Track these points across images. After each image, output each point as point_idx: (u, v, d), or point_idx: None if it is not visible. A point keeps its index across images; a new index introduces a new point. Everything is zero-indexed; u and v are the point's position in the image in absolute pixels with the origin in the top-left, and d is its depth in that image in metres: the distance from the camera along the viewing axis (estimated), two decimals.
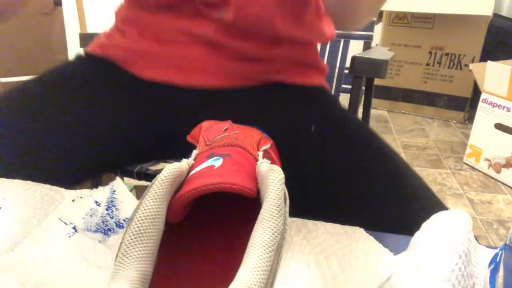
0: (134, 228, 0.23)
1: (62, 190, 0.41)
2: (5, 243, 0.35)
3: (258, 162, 0.29)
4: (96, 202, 0.38)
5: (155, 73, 0.51)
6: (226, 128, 0.34)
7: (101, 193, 0.39)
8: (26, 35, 1.38)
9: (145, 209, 0.24)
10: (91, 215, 0.37)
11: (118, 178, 0.40)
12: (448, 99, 2.30)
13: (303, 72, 0.54)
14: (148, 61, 0.51)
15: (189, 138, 0.37)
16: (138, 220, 0.23)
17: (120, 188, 0.40)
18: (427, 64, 2.32)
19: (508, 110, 1.57)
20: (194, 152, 0.31)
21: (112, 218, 0.37)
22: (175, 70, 0.51)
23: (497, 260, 0.29)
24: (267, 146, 0.34)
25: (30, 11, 1.36)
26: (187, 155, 0.32)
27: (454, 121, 2.33)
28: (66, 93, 0.49)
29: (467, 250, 0.31)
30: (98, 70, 0.52)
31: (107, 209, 0.38)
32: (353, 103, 0.83)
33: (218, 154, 0.30)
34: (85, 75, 0.51)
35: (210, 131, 0.34)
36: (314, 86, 0.55)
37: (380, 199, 0.45)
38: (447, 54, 2.23)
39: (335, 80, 1.38)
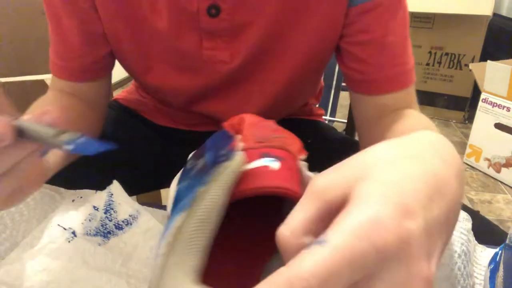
0: (200, 215, 0.22)
1: (61, 190, 0.41)
2: (6, 242, 0.35)
3: (302, 171, 0.29)
4: (94, 207, 0.38)
5: (163, 122, 0.63)
6: (274, 129, 0.34)
7: (99, 197, 0.39)
8: (26, 35, 1.38)
9: (213, 198, 0.23)
10: (90, 220, 0.37)
11: (115, 182, 0.40)
12: (448, 99, 2.30)
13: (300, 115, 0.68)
14: (156, 114, 0.63)
15: (226, 126, 0.35)
16: (206, 208, 0.22)
17: (118, 191, 0.40)
18: (427, 64, 2.32)
19: (508, 109, 1.57)
20: (240, 144, 0.28)
21: (111, 221, 0.37)
22: (181, 123, 0.63)
23: (497, 259, 0.29)
24: (304, 156, 0.33)
25: (30, 11, 1.36)
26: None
27: (454, 121, 2.33)
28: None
29: (466, 250, 0.31)
30: (124, 113, 0.65)
31: (105, 213, 0.38)
32: None
33: (274, 155, 0.29)
34: (114, 117, 0.63)
35: (258, 128, 0.32)
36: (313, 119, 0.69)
37: None
38: (447, 54, 2.23)
39: (335, 78, 1.38)
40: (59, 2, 0.47)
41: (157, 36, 0.49)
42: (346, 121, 0.86)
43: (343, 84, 1.56)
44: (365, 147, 0.55)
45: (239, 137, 0.31)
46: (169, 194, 0.31)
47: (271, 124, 0.34)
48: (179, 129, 0.63)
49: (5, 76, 1.28)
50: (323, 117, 0.74)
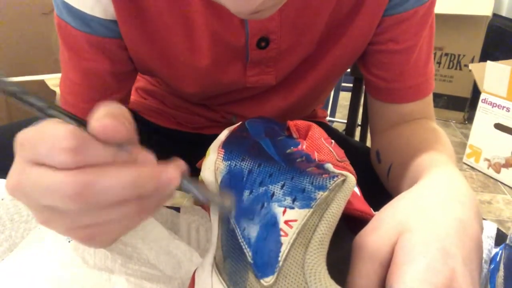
0: (329, 221, 0.24)
1: None
2: (4, 243, 0.35)
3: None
4: None
5: (165, 123, 0.62)
6: (342, 150, 0.34)
7: None
8: (26, 35, 1.38)
9: (338, 207, 0.24)
10: None
11: None
12: (448, 99, 2.30)
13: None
14: (158, 115, 0.62)
15: (291, 126, 0.36)
16: (333, 216, 0.24)
17: None
18: None
19: (508, 110, 1.57)
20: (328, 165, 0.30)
21: None
22: (184, 126, 0.61)
23: (497, 259, 0.29)
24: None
25: (30, 11, 1.36)
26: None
27: (453, 121, 2.33)
28: None
29: (487, 257, 0.32)
30: None
31: None
32: (354, 105, 0.83)
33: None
34: None
35: (335, 147, 0.33)
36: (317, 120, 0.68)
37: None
38: (446, 54, 2.23)
39: None
40: (85, 44, 0.43)
41: (196, 73, 0.47)
42: (345, 121, 0.86)
43: (343, 84, 1.56)
44: (377, 150, 0.55)
45: (304, 142, 0.32)
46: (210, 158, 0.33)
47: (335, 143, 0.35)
48: (182, 131, 0.62)
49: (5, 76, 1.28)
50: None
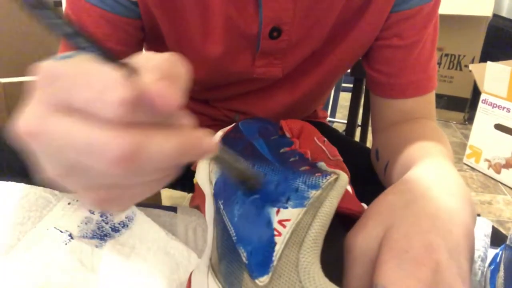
0: (322, 220, 0.23)
1: (56, 192, 0.41)
2: (0, 246, 0.34)
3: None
4: (90, 210, 0.38)
5: None
6: (335, 148, 0.34)
7: None
8: (26, 35, 1.38)
9: (331, 205, 0.24)
10: (86, 223, 0.37)
11: None
12: (448, 99, 2.30)
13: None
14: None
15: (285, 126, 0.36)
16: (326, 214, 0.24)
17: None
18: None
19: (508, 110, 1.57)
20: (321, 164, 0.30)
21: (107, 223, 0.37)
22: None
23: (497, 260, 0.29)
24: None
25: None
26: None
27: (454, 122, 2.33)
28: None
29: (484, 256, 0.31)
30: None
31: (101, 216, 0.38)
32: (354, 105, 0.83)
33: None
34: None
35: (328, 146, 0.33)
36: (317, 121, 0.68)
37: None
38: (446, 55, 2.23)
39: None
40: (100, 20, 0.42)
41: (206, 58, 0.47)
42: (345, 121, 0.86)
43: (343, 84, 1.56)
44: (377, 148, 0.55)
45: (297, 141, 0.32)
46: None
47: (327, 141, 0.35)
48: None
49: (5, 76, 1.28)
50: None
